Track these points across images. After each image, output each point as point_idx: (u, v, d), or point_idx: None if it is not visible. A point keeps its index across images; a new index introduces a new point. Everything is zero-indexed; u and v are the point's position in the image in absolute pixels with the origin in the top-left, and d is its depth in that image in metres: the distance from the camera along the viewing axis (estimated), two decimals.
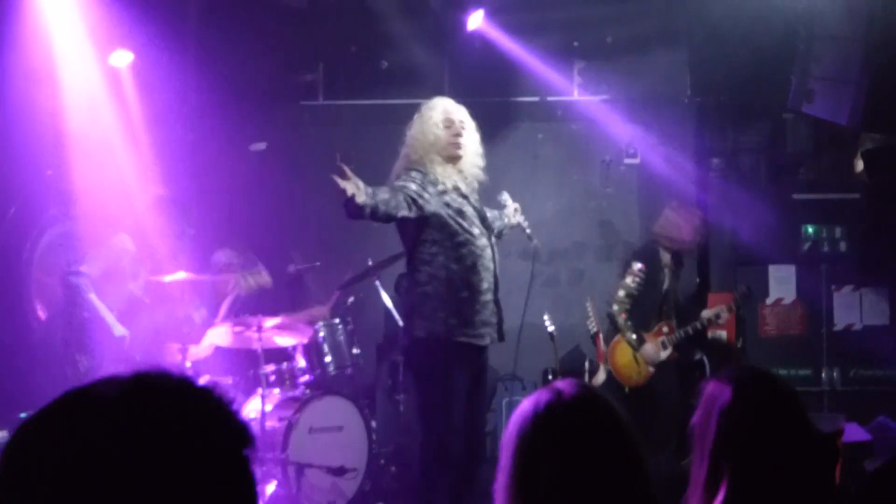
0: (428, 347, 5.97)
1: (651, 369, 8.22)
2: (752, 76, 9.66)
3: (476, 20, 9.35)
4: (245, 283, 8.40)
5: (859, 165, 9.47)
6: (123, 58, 8.89)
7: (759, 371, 3.12)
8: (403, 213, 5.91)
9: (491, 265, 6.14)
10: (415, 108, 6.45)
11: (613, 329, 8.30)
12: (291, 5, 9.55)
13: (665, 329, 8.32)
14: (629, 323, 8.21)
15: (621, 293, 8.23)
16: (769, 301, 9.69)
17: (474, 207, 6.23)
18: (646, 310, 8.30)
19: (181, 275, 7.79)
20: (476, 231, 6.10)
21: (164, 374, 1.61)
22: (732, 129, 10.12)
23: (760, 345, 9.67)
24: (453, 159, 6.22)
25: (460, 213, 6.08)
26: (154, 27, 8.75)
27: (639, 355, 8.21)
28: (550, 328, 8.56)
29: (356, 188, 5.57)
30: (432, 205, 5.99)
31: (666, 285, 8.37)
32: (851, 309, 9.60)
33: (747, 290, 8.67)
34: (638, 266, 8.25)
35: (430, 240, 6.03)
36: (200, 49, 9.32)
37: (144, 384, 1.59)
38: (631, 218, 10.12)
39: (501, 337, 6.24)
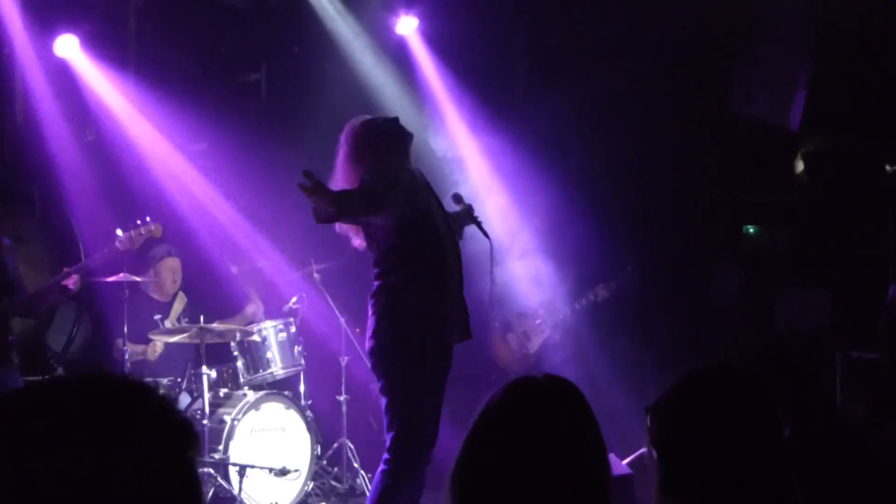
0: (398, 348, 5.94)
1: (533, 351, 8.58)
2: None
3: (405, 26, 9.42)
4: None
5: (800, 166, 9.60)
6: (69, 45, 8.81)
7: None
8: (371, 213, 5.91)
9: (456, 263, 6.13)
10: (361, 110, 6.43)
11: None
12: (234, 5, 9.52)
13: (541, 312, 8.70)
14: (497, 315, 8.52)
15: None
16: None
17: (439, 207, 6.22)
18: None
19: (121, 275, 7.75)
20: (442, 230, 6.10)
21: (106, 374, 1.60)
22: None
23: None
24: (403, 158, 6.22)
25: (427, 212, 6.07)
26: (95, 18, 8.73)
27: (515, 339, 8.62)
28: None
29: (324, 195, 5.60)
30: (399, 205, 5.97)
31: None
32: None
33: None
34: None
35: (396, 239, 6.00)
36: (140, 47, 9.25)
37: (87, 384, 1.57)
38: None
39: (469, 334, 6.22)
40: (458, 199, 6.54)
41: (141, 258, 8.33)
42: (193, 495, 1.58)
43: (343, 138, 6.21)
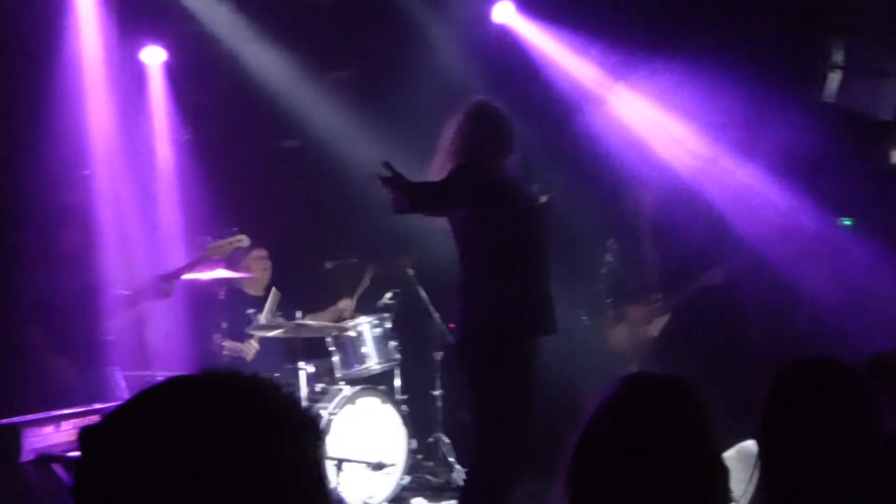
0: (484, 343, 5.94)
1: (650, 339, 8.28)
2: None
3: (502, 11, 9.32)
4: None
5: (895, 156, 9.44)
6: (156, 54, 8.94)
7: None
8: (454, 205, 5.94)
9: (542, 257, 6.12)
10: (448, 104, 6.44)
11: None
12: (318, 3, 9.58)
13: (655, 298, 8.35)
14: (611, 300, 8.35)
15: (603, 271, 8.31)
16: None
17: (526, 202, 6.21)
18: (640, 284, 8.37)
19: (219, 272, 7.86)
20: (527, 224, 6.09)
21: (235, 372, 1.63)
22: None
23: None
24: (505, 157, 6.22)
25: (511, 207, 6.06)
26: (185, 23, 8.83)
27: (632, 325, 8.31)
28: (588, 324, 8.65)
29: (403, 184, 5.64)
30: (486, 199, 5.98)
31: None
32: None
33: None
34: (612, 242, 8.34)
35: (484, 231, 6.00)
36: (232, 45, 9.34)
37: (218, 382, 1.60)
38: None
39: (555, 328, 6.20)
40: (540, 191, 6.50)
41: (230, 257, 8.44)
42: (322, 488, 1.61)
43: (455, 119, 6.23)
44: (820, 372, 2.96)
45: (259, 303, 8.51)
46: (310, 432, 1.61)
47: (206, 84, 9.35)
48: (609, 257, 8.33)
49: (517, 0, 9.36)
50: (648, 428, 2.35)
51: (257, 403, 1.58)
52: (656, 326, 8.28)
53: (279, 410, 1.60)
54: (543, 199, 6.41)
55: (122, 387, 7.42)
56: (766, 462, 2.87)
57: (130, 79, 8.78)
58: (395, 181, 5.61)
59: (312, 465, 1.60)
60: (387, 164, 5.61)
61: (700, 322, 8.44)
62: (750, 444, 3.29)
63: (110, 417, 1.58)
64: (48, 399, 6.65)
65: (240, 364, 8.22)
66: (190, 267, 7.61)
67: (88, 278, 7.38)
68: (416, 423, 8.41)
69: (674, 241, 8.50)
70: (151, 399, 1.59)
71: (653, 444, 2.33)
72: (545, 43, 9.42)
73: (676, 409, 2.40)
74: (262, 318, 8.13)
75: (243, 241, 7.74)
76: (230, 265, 8.29)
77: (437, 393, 8.50)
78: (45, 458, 5.63)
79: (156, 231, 8.73)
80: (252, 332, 8.23)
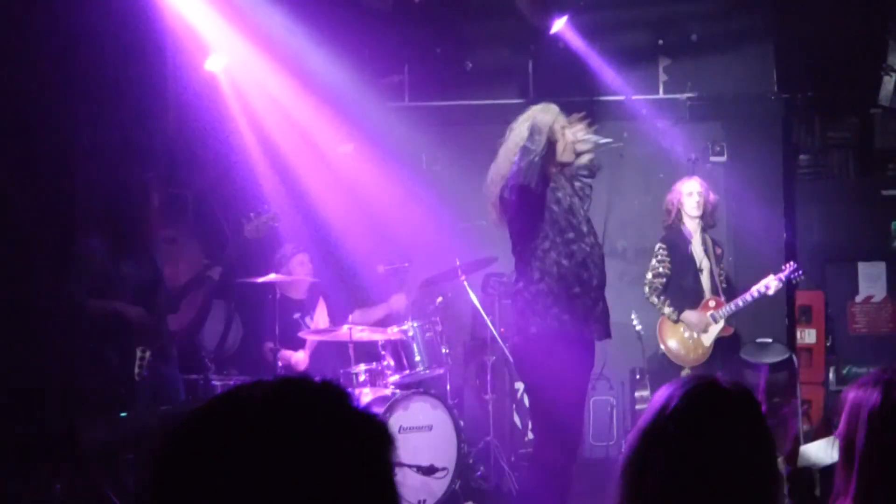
0: (542, 344, 5.98)
1: (707, 344, 8.22)
2: (840, 70, 9.59)
3: (559, 24, 9.41)
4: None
5: None
6: (218, 62, 9.05)
7: None
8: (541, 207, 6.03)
9: (599, 262, 6.15)
10: (500, 109, 6.47)
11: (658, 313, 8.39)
12: (375, 7, 9.63)
13: (712, 304, 8.29)
14: (663, 299, 8.26)
15: (649, 275, 8.34)
16: (858, 299, 9.59)
17: (582, 205, 6.25)
18: (685, 288, 8.33)
19: (272, 276, 7.94)
20: (584, 228, 6.12)
21: (307, 379, 1.67)
22: (820, 124, 10.04)
23: (850, 343, 9.58)
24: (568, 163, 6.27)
25: (570, 210, 6.10)
26: (243, 31, 8.93)
27: (687, 330, 8.20)
28: (638, 327, 8.61)
29: None
30: (542, 202, 6.02)
31: (701, 261, 8.35)
32: None
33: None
34: (658, 245, 8.29)
35: (541, 236, 6.04)
36: (287, 52, 9.42)
37: (290, 389, 1.65)
38: (718, 216, 10.03)
39: (609, 333, 6.23)
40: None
41: (271, 262, 8.51)
42: (393, 492, 1.65)
43: (520, 119, 6.27)
44: None
45: (302, 306, 8.59)
46: (382, 438, 1.66)
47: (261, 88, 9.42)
48: (657, 262, 8.32)
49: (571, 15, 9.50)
50: (716, 438, 2.36)
51: (331, 411, 1.63)
52: (711, 335, 8.25)
53: (352, 417, 1.65)
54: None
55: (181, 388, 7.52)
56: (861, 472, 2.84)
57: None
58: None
59: (385, 470, 1.65)
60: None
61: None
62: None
63: (191, 422, 1.63)
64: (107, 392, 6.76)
65: (292, 366, 8.32)
66: (232, 251, 7.71)
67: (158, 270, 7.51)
68: (468, 427, 8.43)
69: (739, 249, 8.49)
70: (232, 405, 1.63)
71: (719, 454, 2.34)
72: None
73: (744, 420, 2.41)
74: (312, 324, 8.20)
75: (275, 218, 7.83)
76: (274, 269, 8.37)
77: (488, 397, 8.52)
78: None
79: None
80: (305, 336, 8.30)
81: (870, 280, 9.65)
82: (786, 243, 9.69)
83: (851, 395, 2.92)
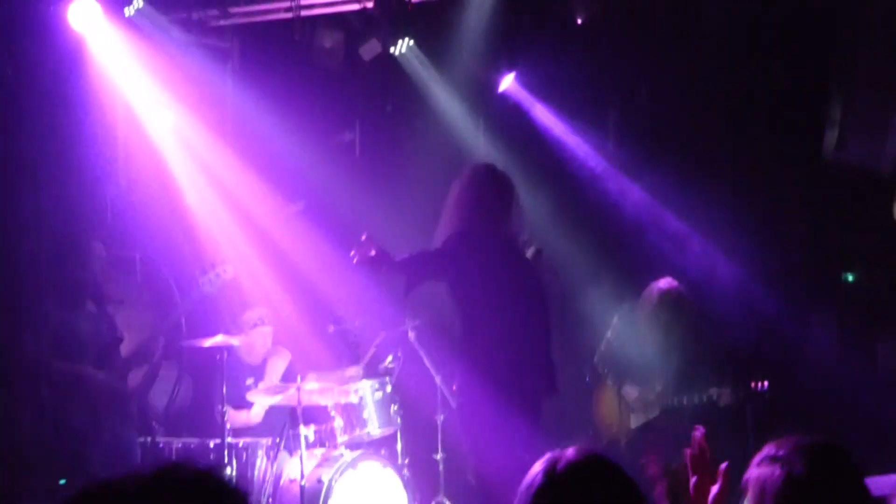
0: (476, 408, 5.99)
1: (631, 421, 8.15)
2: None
3: (507, 82, 9.52)
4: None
5: None
6: (167, 121, 9.08)
7: (808, 445, 2.97)
8: (444, 276, 6.00)
9: (538, 321, 6.17)
10: (452, 164, 6.50)
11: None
12: (325, 65, 9.69)
13: (657, 388, 8.17)
14: (607, 371, 8.23)
15: (602, 346, 8.26)
16: None
17: (520, 266, 6.27)
18: (641, 367, 8.19)
19: (219, 338, 7.92)
20: (521, 289, 6.14)
21: (188, 469, 1.68)
22: None
23: None
24: (505, 223, 6.28)
25: (508, 269, 6.12)
26: (195, 86, 8.97)
27: (622, 402, 8.17)
28: None
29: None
30: (481, 265, 6.02)
31: (664, 348, 8.18)
32: None
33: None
34: (616, 320, 8.28)
35: (470, 303, 6.05)
36: (237, 108, 9.48)
37: (163, 481, 1.65)
38: None
39: (556, 390, 6.25)
40: (527, 245, 6.52)
41: (233, 321, 8.51)
42: None
43: (459, 181, 6.29)
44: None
45: (256, 371, 8.58)
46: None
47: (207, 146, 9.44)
48: (610, 333, 8.31)
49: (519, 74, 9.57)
50: None
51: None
52: (639, 418, 8.22)
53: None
54: (531, 251, 6.47)
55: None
56: None
57: None
58: (377, 261, 5.58)
59: None
60: (367, 239, 5.56)
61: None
62: None
63: None
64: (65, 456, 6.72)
65: (242, 430, 8.28)
66: (188, 305, 7.75)
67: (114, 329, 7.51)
68: (418, 487, 8.39)
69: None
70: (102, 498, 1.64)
71: None
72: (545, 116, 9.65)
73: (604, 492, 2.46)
74: (263, 385, 8.19)
75: (229, 272, 7.85)
76: (233, 330, 8.36)
77: (439, 456, 8.49)
78: None
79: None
80: (252, 398, 8.28)
81: None
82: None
83: (755, 474, 2.94)
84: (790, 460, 2.88)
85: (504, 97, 9.79)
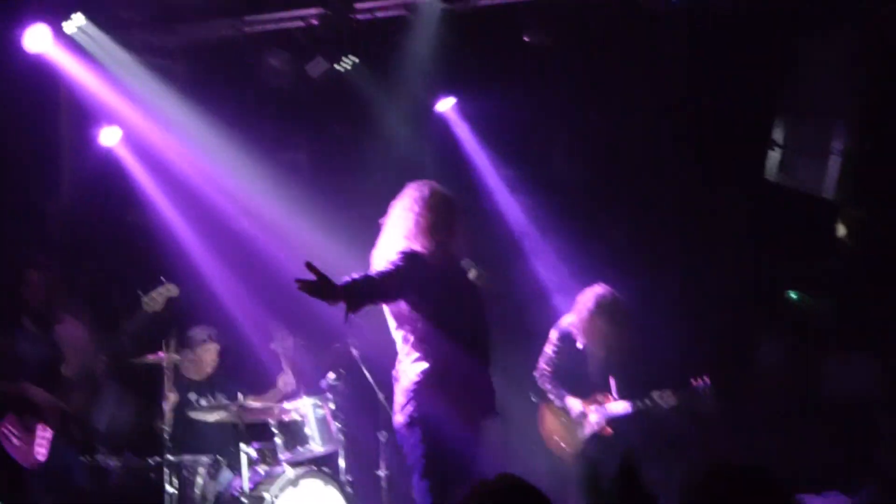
0: (413, 427, 5.98)
1: (581, 438, 8.15)
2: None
3: (446, 104, 9.75)
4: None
5: (841, 230, 9.49)
6: (113, 134, 9.09)
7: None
8: (397, 297, 5.99)
9: (478, 340, 6.16)
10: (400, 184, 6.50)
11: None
12: (275, 84, 9.71)
13: (599, 398, 8.19)
14: (549, 387, 8.24)
15: (541, 361, 8.29)
16: None
17: (461, 286, 6.27)
18: (581, 380, 8.21)
19: (162, 355, 7.91)
20: (465, 308, 6.14)
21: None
22: None
23: None
24: (446, 241, 6.25)
25: (448, 289, 6.12)
26: (140, 105, 8.97)
27: (565, 418, 8.19)
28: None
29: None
30: (426, 286, 6.02)
31: (604, 356, 8.20)
32: None
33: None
34: (554, 334, 8.30)
35: (410, 322, 6.05)
36: (184, 128, 9.46)
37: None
38: None
39: (494, 411, 6.24)
40: (468, 265, 6.51)
41: (178, 339, 8.49)
42: None
43: (402, 200, 6.28)
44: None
45: (200, 387, 8.58)
46: None
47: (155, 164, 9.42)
48: (548, 347, 8.32)
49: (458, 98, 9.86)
50: None
51: None
52: (589, 428, 8.21)
53: None
54: (472, 273, 6.46)
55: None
56: None
57: None
58: (319, 287, 5.52)
59: None
60: (310, 266, 5.50)
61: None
62: None
63: None
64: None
65: (182, 445, 8.24)
66: (131, 326, 7.75)
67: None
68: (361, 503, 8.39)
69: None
70: None
71: None
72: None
73: None
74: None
75: (172, 290, 7.85)
76: (179, 346, 8.33)
77: (382, 473, 8.48)
78: None
79: None
80: (194, 416, 8.25)
81: None
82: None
83: None
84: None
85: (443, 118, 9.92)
